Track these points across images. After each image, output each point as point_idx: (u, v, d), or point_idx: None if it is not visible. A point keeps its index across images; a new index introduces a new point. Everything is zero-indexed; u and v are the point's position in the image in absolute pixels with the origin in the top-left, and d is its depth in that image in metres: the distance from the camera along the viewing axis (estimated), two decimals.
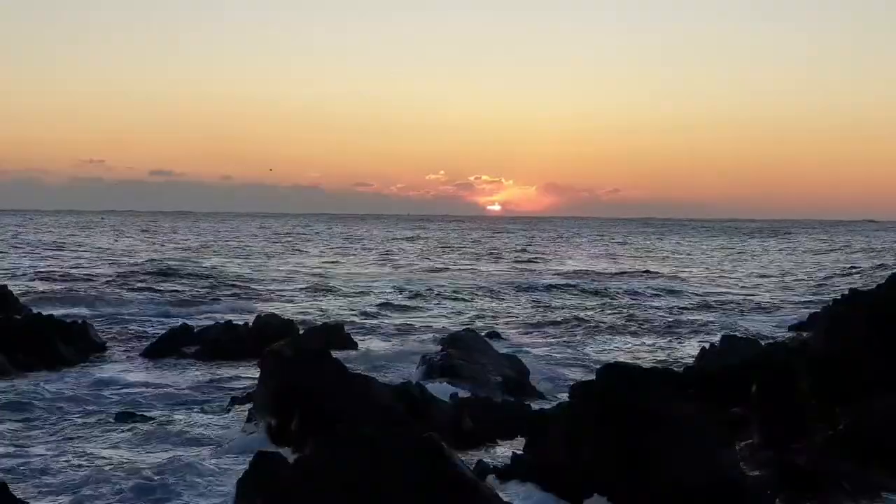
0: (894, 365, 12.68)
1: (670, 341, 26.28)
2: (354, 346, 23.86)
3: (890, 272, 15.22)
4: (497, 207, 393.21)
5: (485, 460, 12.04)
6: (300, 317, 29.09)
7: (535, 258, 67.79)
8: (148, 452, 13.20)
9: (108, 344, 23.42)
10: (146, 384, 18.36)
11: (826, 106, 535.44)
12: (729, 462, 10.84)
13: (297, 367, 13.74)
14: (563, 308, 34.48)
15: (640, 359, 22.05)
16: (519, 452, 11.77)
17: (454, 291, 40.21)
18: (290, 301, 35.86)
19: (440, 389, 15.63)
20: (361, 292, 39.11)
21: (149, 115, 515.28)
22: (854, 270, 55.22)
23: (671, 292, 40.68)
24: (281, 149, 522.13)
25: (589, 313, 32.77)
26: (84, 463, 12.58)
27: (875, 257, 70.66)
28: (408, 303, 35.81)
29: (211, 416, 15.48)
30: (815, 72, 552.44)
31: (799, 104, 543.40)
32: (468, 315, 32.14)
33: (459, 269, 55.16)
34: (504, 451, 13.00)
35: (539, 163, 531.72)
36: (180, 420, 15.19)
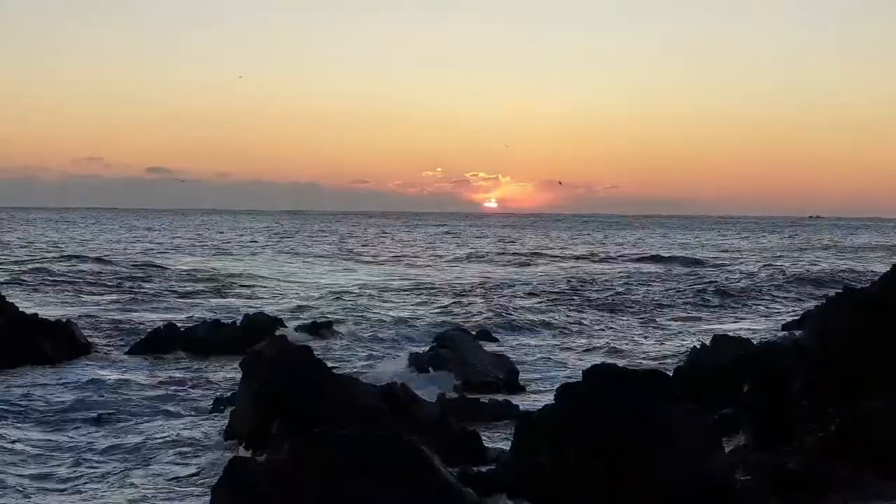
0: (888, 365, 12.45)
1: (661, 340, 26.06)
2: (342, 345, 23.62)
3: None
4: (493, 204, 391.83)
5: (470, 464, 11.80)
6: (290, 315, 28.80)
7: (528, 254, 67.59)
8: (127, 456, 12.92)
9: (92, 343, 23.09)
10: (129, 384, 18.06)
11: (826, 106, 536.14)
12: (719, 464, 10.64)
13: (279, 368, 13.46)
14: (554, 306, 34.19)
15: (629, 359, 21.81)
16: (505, 450, 11.56)
17: (444, 289, 39.97)
18: (282, 298, 35.65)
19: (427, 390, 15.41)
20: (347, 290, 38.85)
21: (146, 113, 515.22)
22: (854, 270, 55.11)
23: (664, 290, 40.45)
24: (280, 147, 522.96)
25: (581, 311, 32.52)
26: (62, 466, 12.31)
27: (868, 255, 70.74)
28: (396, 300, 35.52)
29: (193, 419, 15.21)
30: (815, 72, 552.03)
31: (799, 104, 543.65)
32: (457, 313, 31.86)
33: (451, 266, 54.95)
34: (490, 454, 12.74)
35: (537, 160, 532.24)
36: (161, 422, 14.91)
